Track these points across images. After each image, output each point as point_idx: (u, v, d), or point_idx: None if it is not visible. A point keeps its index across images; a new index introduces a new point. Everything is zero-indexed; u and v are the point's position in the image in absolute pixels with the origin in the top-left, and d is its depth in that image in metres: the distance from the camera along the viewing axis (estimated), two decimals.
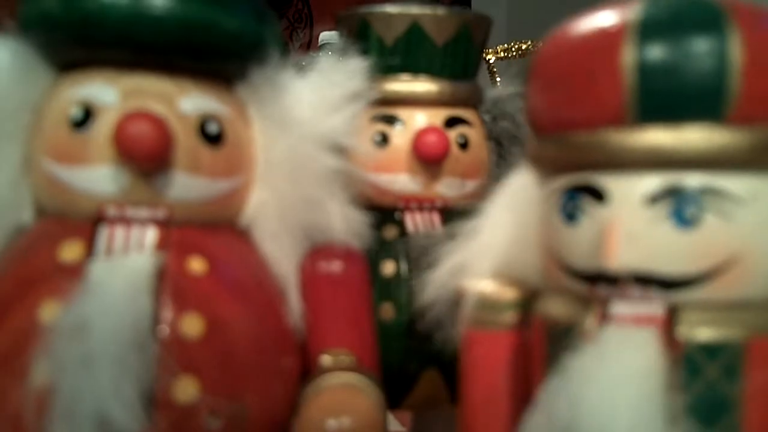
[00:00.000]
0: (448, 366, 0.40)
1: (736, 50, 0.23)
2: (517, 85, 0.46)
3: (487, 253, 0.29)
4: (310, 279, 0.33)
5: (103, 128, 0.29)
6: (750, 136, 0.23)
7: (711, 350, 0.23)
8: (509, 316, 0.29)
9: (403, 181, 0.41)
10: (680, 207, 0.23)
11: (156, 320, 0.27)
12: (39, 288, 0.27)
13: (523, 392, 0.28)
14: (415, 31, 0.41)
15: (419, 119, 0.41)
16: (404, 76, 0.42)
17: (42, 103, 0.30)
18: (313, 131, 0.32)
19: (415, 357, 0.39)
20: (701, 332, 0.23)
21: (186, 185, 0.29)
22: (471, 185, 0.42)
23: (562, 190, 0.26)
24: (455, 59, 0.42)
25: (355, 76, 0.34)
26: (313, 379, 0.30)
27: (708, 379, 0.23)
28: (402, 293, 0.40)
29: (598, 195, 0.24)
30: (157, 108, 0.29)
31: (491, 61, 0.72)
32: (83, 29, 0.29)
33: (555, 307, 0.26)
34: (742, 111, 0.23)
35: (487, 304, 0.29)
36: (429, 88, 0.42)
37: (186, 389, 0.27)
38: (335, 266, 0.33)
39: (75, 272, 0.27)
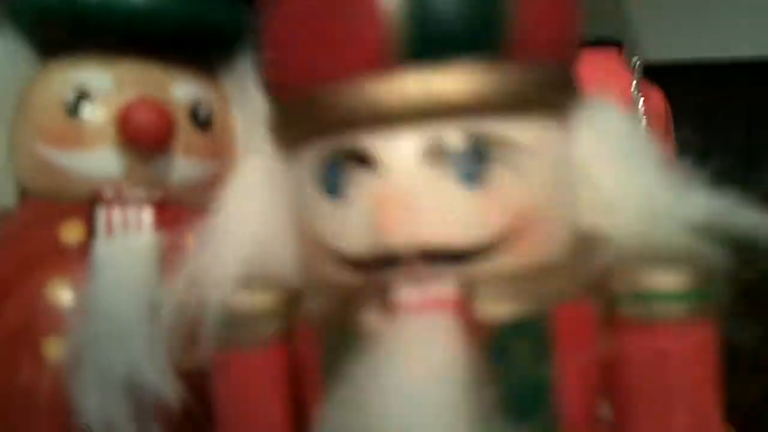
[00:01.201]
0: None
1: None
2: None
3: (231, 255, 0.23)
4: None
5: (101, 113, 0.30)
6: (524, 75, 0.20)
7: (516, 327, 0.20)
8: (267, 329, 0.23)
9: None
10: (464, 162, 0.20)
11: (161, 295, 0.28)
12: (43, 267, 0.28)
13: (299, 412, 0.23)
14: None
15: None
16: None
17: (29, 89, 0.31)
18: None
19: None
20: (502, 308, 0.20)
21: (181, 167, 0.31)
22: None
23: (320, 162, 0.22)
24: None
25: None
26: None
27: (518, 360, 0.20)
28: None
29: (365, 161, 0.20)
30: (155, 95, 0.30)
31: None
32: (81, 17, 0.30)
33: (323, 307, 0.22)
34: (513, 48, 0.20)
35: (238, 319, 0.23)
36: None
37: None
38: None
39: (78, 252, 0.28)
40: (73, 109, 0.30)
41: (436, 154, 0.20)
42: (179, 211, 0.31)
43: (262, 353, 0.23)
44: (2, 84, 0.31)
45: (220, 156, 0.33)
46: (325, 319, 0.21)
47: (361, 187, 0.20)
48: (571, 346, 0.20)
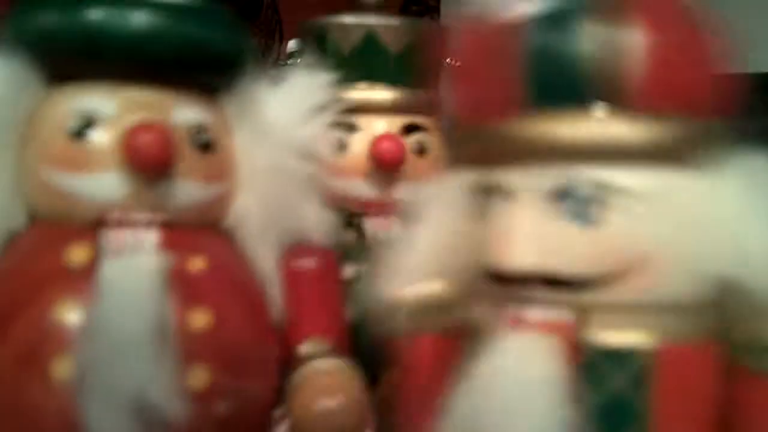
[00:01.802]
0: None
1: (636, 39, 0.22)
2: None
3: (424, 258, 0.28)
4: (288, 275, 0.35)
5: (105, 137, 0.30)
6: (650, 127, 0.22)
7: (618, 356, 0.22)
8: (443, 320, 0.28)
9: (361, 187, 0.42)
10: (581, 205, 0.23)
11: (168, 315, 0.29)
12: (49, 290, 0.29)
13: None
14: (370, 41, 0.42)
15: (377, 126, 0.43)
16: (361, 85, 0.43)
17: (36, 113, 0.31)
18: (289, 139, 0.34)
19: (375, 359, 0.40)
20: (608, 336, 0.23)
21: (184, 190, 0.31)
22: None
23: (469, 187, 0.25)
24: (411, 68, 0.43)
25: (323, 88, 0.37)
26: (298, 365, 0.33)
27: (613, 387, 0.22)
28: (361, 296, 0.41)
29: (502, 192, 0.24)
30: (157, 119, 0.31)
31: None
32: (86, 44, 0.30)
33: (477, 311, 0.26)
34: (641, 100, 0.22)
35: (427, 308, 0.28)
36: (385, 96, 0.43)
37: (199, 378, 0.29)
38: (310, 263, 0.36)
39: (84, 274, 0.29)
40: (78, 134, 0.30)
41: (559, 194, 0.23)
42: (183, 233, 0.32)
43: (438, 339, 0.28)
44: (9, 109, 0.31)
45: (222, 178, 0.33)
46: (470, 321, 0.25)
47: (497, 214, 0.24)
48: (676, 385, 0.22)
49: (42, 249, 0.30)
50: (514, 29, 0.23)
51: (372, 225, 0.42)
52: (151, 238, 0.30)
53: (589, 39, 0.22)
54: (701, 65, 0.23)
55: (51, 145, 0.31)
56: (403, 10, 1.42)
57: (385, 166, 0.41)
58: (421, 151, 0.43)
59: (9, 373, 0.28)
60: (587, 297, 0.23)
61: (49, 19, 0.30)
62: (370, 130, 0.42)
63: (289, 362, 0.33)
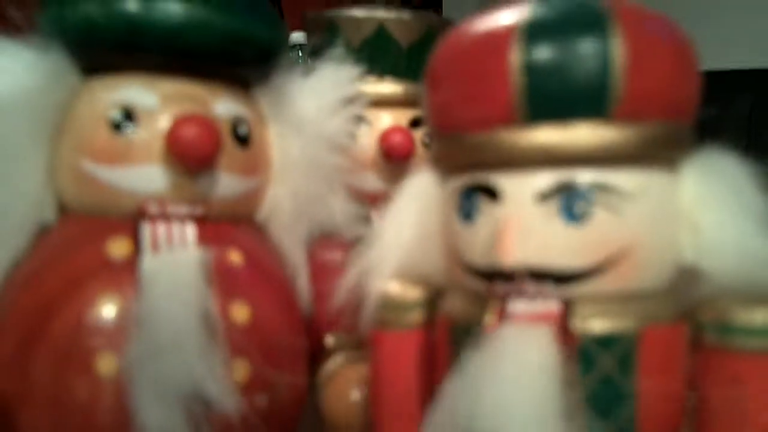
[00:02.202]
0: None
1: (618, 51, 0.23)
2: None
3: (392, 254, 0.29)
4: (315, 267, 0.35)
5: (147, 130, 0.30)
6: (634, 133, 0.24)
7: (605, 342, 0.24)
8: (414, 316, 0.29)
9: (370, 180, 0.42)
10: (570, 203, 0.24)
11: (213, 309, 0.29)
12: (91, 284, 0.28)
13: (430, 390, 0.28)
14: (381, 34, 0.42)
15: (385, 120, 0.43)
16: (371, 78, 0.43)
17: (71, 105, 0.31)
18: (319, 132, 0.35)
19: None
20: (595, 324, 0.24)
21: (223, 183, 0.31)
22: None
23: (460, 190, 0.27)
24: (420, 62, 0.43)
25: (350, 81, 0.38)
26: (326, 357, 0.33)
27: (603, 370, 0.24)
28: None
29: (492, 194, 0.25)
30: (199, 111, 0.31)
31: None
32: (125, 35, 0.30)
33: (456, 306, 0.27)
34: (626, 109, 0.24)
35: (392, 305, 0.29)
36: (394, 89, 0.43)
37: (240, 371, 0.29)
38: (337, 255, 0.36)
39: (126, 267, 0.29)
40: (118, 126, 0.30)
41: (548, 194, 0.24)
42: (220, 226, 0.32)
43: (407, 335, 0.29)
44: (45, 100, 0.31)
45: (257, 172, 0.34)
46: (456, 316, 0.26)
47: (487, 214, 0.25)
48: (657, 364, 0.24)
49: (81, 242, 0.30)
50: (501, 43, 0.24)
51: (379, 218, 0.43)
52: (191, 231, 0.30)
53: (577, 52, 0.24)
54: (679, 73, 0.24)
55: (90, 137, 0.31)
56: (405, 3, 1.41)
57: (394, 159, 0.41)
58: (429, 144, 0.43)
59: (51, 370, 0.28)
60: (574, 289, 0.24)
61: (87, 9, 0.30)
62: (378, 123, 0.43)
63: (316, 354, 0.33)
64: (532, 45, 0.24)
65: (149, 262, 0.29)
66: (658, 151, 0.24)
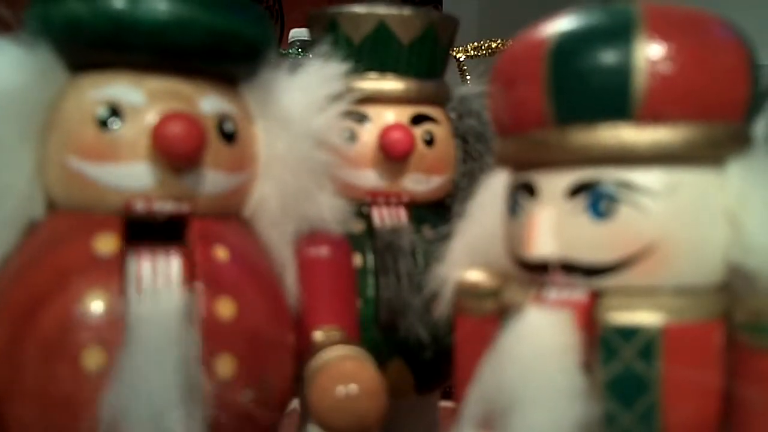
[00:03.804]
0: (413, 356, 0.41)
1: (639, 55, 0.24)
2: (485, 83, 0.47)
3: (471, 246, 0.32)
4: (302, 263, 0.35)
5: (133, 127, 0.30)
6: (658, 133, 0.25)
7: (627, 333, 0.25)
8: (488, 304, 0.30)
9: (370, 177, 0.42)
10: (595, 200, 0.25)
11: (194, 305, 0.29)
12: (78, 279, 0.29)
13: None
14: (381, 31, 0.42)
15: (386, 116, 0.43)
16: (372, 75, 0.43)
17: (58, 102, 0.31)
18: (306, 128, 0.35)
19: (380, 347, 0.40)
20: (619, 315, 0.25)
21: (209, 180, 0.31)
22: (436, 181, 0.44)
23: (510, 187, 0.29)
24: (421, 58, 0.43)
25: (338, 77, 0.37)
26: (313, 353, 0.33)
27: (624, 361, 0.25)
28: (368, 285, 0.41)
29: (531, 191, 0.27)
30: (185, 108, 0.31)
31: (461, 59, 0.73)
32: (113, 33, 0.30)
33: (509, 294, 0.29)
34: (648, 110, 0.25)
35: (469, 292, 0.31)
36: (395, 86, 0.43)
37: (225, 367, 0.29)
38: (324, 251, 0.36)
39: (113, 263, 0.29)
40: (104, 123, 0.30)
41: (575, 191, 0.26)
42: (206, 222, 0.32)
43: (482, 321, 0.30)
44: (33, 97, 0.31)
45: (244, 168, 0.34)
46: (507, 303, 0.29)
47: (525, 210, 0.27)
48: (684, 358, 0.25)
49: (68, 238, 0.30)
50: (538, 49, 0.26)
51: (379, 214, 0.43)
52: (176, 267, 0.30)
53: (601, 57, 0.25)
54: (711, 74, 0.25)
55: (76, 134, 0.31)
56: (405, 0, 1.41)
57: (395, 156, 0.41)
58: (429, 141, 0.43)
59: (38, 363, 0.28)
60: (601, 281, 0.26)
61: (72, 6, 0.30)
62: (379, 120, 0.43)
63: (302, 350, 0.34)
64: (560, 51, 0.26)
65: (135, 306, 0.29)
66: (690, 151, 0.25)
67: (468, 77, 0.72)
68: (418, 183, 0.43)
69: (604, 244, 0.25)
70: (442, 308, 0.32)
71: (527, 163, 0.27)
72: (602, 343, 0.25)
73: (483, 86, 0.46)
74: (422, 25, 0.43)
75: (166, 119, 0.29)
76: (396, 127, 0.41)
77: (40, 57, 0.31)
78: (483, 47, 0.73)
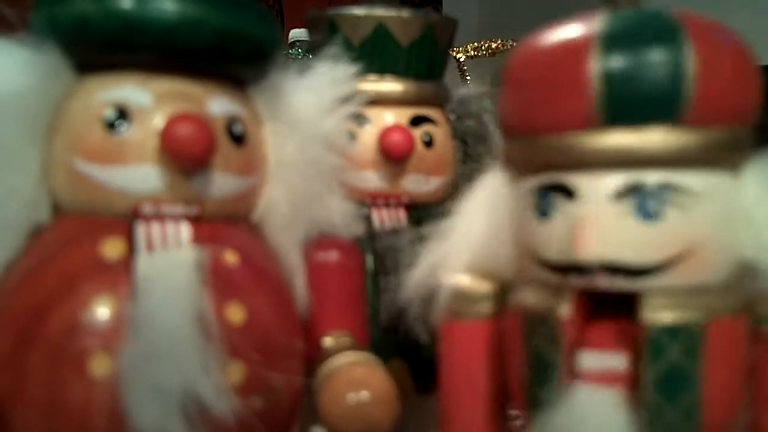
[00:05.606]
0: (412, 356, 0.41)
1: (689, 59, 0.25)
2: (485, 84, 0.47)
3: (463, 250, 0.31)
4: (311, 268, 0.35)
5: (141, 129, 0.30)
6: (704, 137, 0.26)
7: (674, 332, 0.25)
8: (483, 308, 0.30)
9: (369, 178, 0.42)
10: (644, 202, 0.26)
11: (208, 310, 0.29)
12: (85, 284, 0.28)
13: (498, 377, 0.30)
14: (380, 33, 0.42)
15: (385, 118, 0.43)
16: (371, 76, 0.43)
17: (65, 104, 0.31)
18: (315, 131, 0.35)
19: (380, 347, 0.41)
20: (664, 315, 0.26)
21: (218, 183, 0.31)
22: (436, 182, 0.44)
23: (536, 189, 0.28)
24: (420, 60, 0.43)
25: (346, 79, 0.37)
26: (323, 359, 0.33)
27: (671, 359, 0.25)
28: (368, 286, 0.41)
29: (568, 192, 0.27)
30: (193, 110, 0.30)
31: (461, 60, 0.73)
32: (122, 34, 0.29)
33: (530, 297, 0.28)
34: (696, 114, 0.25)
35: (463, 297, 0.31)
36: (394, 87, 0.43)
37: (235, 372, 0.29)
38: (334, 256, 0.36)
39: (120, 268, 0.28)
40: (112, 125, 0.30)
41: (623, 194, 0.26)
42: (215, 226, 0.31)
43: (477, 325, 0.31)
44: (39, 99, 0.30)
45: (253, 171, 0.33)
46: (529, 307, 0.28)
47: (563, 212, 0.27)
48: (721, 354, 0.26)
49: (75, 242, 0.30)
50: (580, 52, 0.26)
51: (379, 216, 0.43)
52: (185, 231, 0.30)
53: (652, 61, 0.25)
54: (743, 80, 0.26)
55: (84, 136, 0.30)
56: (405, 1, 1.41)
57: (394, 158, 0.41)
58: (428, 142, 0.43)
59: (45, 370, 0.27)
60: (645, 282, 0.26)
61: (80, 7, 0.29)
62: (379, 121, 0.43)
63: (312, 356, 0.33)
64: (610, 54, 0.26)
65: (144, 263, 0.28)
66: (724, 154, 0.26)
67: (468, 78, 0.72)
68: (418, 184, 0.43)
69: (650, 245, 0.26)
70: (433, 311, 0.31)
71: (560, 165, 0.27)
72: (650, 343, 0.25)
73: (483, 87, 0.47)
74: (421, 26, 0.43)
75: (174, 121, 0.29)
76: (395, 128, 0.42)
77: (47, 58, 0.30)
78: (483, 47, 0.73)
